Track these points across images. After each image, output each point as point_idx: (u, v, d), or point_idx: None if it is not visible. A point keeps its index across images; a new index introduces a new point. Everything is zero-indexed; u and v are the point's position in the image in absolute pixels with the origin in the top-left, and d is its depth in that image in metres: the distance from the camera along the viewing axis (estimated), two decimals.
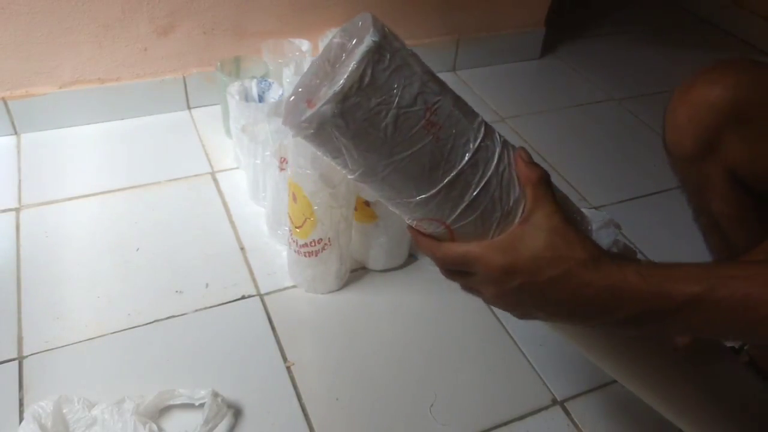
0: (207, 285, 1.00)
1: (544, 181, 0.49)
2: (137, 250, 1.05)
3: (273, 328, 0.95)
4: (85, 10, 1.20)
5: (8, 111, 1.25)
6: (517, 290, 0.47)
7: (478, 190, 0.48)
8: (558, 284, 0.46)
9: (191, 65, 1.36)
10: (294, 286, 1.02)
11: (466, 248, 0.48)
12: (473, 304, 1.01)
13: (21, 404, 0.82)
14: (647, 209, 1.23)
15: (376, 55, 0.44)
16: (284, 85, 1.23)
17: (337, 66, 0.46)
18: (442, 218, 0.49)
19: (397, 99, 0.45)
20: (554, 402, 0.89)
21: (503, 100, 1.54)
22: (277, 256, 1.06)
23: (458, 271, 0.51)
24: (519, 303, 0.49)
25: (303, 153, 0.86)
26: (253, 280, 1.02)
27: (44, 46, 1.21)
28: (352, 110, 0.44)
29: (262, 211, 1.14)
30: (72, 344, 0.90)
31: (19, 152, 1.24)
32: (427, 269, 1.07)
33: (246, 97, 1.20)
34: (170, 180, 1.20)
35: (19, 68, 1.22)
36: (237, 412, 0.83)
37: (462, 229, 0.49)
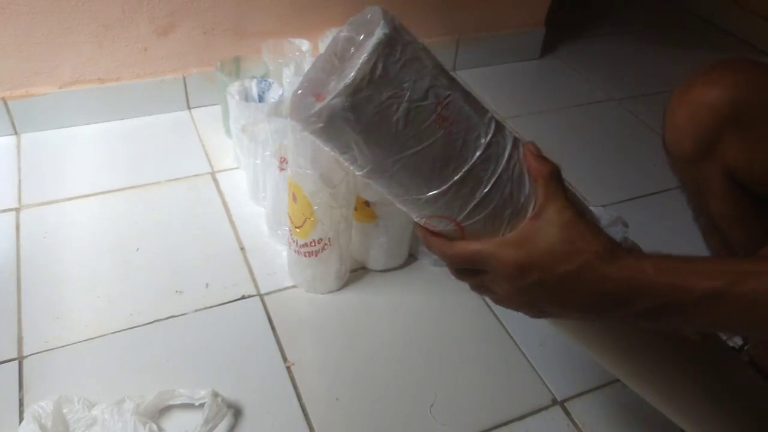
0: (207, 285, 1.00)
1: (555, 175, 0.48)
2: (137, 250, 1.05)
3: (273, 328, 0.95)
4: (85, 10, 1.20)
5: (8, 111, 1.25)
6: (533, 286, 0.46)
7: (489, 186, 0.47)
8: (574, 278, 0.45)
9: (191, 65, 1.36)
10: (294, 286, 1.02)
11: (479, 246, 0.48)
12: (473, 304, 1.02)
13: (21, 404, 0.82)
14: (647, 209, 1.23)
15: (387, 47, 0.43)
16: (284, 85, 1.23)
17: (345, 60, 0.45)
18: (452, 215, 0.48)
19: (408, 92, 0.44)
20: (554, 402, 0.89)
21: (503, 100, 1.54)
22: (277, 256, 1.06)
23: (470, 270, 0.50)
24: (534, 300, 0.48)
25: (303, 153, 0.86)
26: (253, 280, 1.02)
27: (44, 46, 1.21)
28: (363, 103, 0.43)
29: (262, 211, 1.14)
30: (72, 344, 0.90)
31: (19, 152, 1.24)
32: (427, 269, 1.07)
33: (246, 97, 1.20)
34: (170, 180, 1.20)
35: (19, 68, 1.22)
36: (237, 412, 0.83)
37: (473, 226, 0.48)
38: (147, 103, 1.35)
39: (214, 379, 0.86)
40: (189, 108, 1.40)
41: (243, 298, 0.99)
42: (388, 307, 1.00)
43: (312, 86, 0.47)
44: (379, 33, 0.43)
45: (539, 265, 0.45)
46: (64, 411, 0.78)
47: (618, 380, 0.91)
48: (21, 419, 0.79)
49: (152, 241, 1.07)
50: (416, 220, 0.52)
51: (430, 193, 0.47)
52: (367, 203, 0.98)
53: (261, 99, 1.21)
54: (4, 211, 1.11)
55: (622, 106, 1.58)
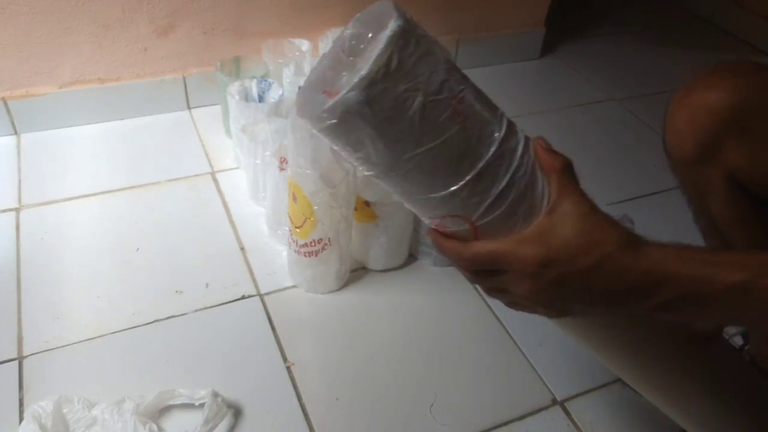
0: (207, 285, 1.00)
1: (567, 168, 0.48)
2: (137, 250, 1.05)
3: (273, 328, 0.95)
4: (85, 10, 1.20)
5: (8, 111, 1.25)
6: (553, 282, 0.45)
7: (504, 182, 0.46)
8: (596, 271, 0.44)
9: (191, 65, 1.36)
10: (294, 286, 1.02)
11: (496, 244, 0.47)
12: (473, 303, 1.02)
13: (21, 404, 0.82)
14: (648, 209, 1.23)
15: (401, 40, 0.42)
16: (284, 85, 1.23)
17: (356, 55, 0.44)
18: (467, 214, 0.47)
19: (424, 86, 0.43)
20: (554, 402, 0.89)
21: (503, 100, 1.52)
22: (277, 256, 1.06)
23: (487, 271, 0.49)
24: (554, 297, 0.47)
25: (303, 153, 0.86)
26: (253, 280, 1.02)
27: (44, 46, 1.21)
28: (379, 97, 0.42)
29: (262, 211, 1.14)
30: (72, 344, 0.90)
31: (19, 152, 1.24)
32: (427, 269, 1.07)
33: (246, 97, 1.20)
34: (170, 180, 1.20)
35: (19, 68, 1.22)
36: (237, 412, 0.83)
37: (487, 225, 0.47)
38: (147, 103, 1.35)
39: (214, 379, 0.86)
40: (189, 108, 1.40)
41: (243, 298, 0.99)
42: (388, 307, 1.00)
43: (320, 84, 0.46)
44: (393, 25, 0.42)
45: (559, 260, 0.45)
46: (64, 411, 0.78)
47: (618, 380, 0.91)
48: (21, 419, 0.79)
49: (152, 241, 1.07)
50: (427, 221, 0.51)
51: (446, 191, 0.46)
52: (367, 203, 0.98)
53: (261, 99, 1.21)
54: (4, 211, 1.11)
55: (623, 106, 1.58)
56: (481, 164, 0.45)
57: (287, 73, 1.23)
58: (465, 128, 0.45)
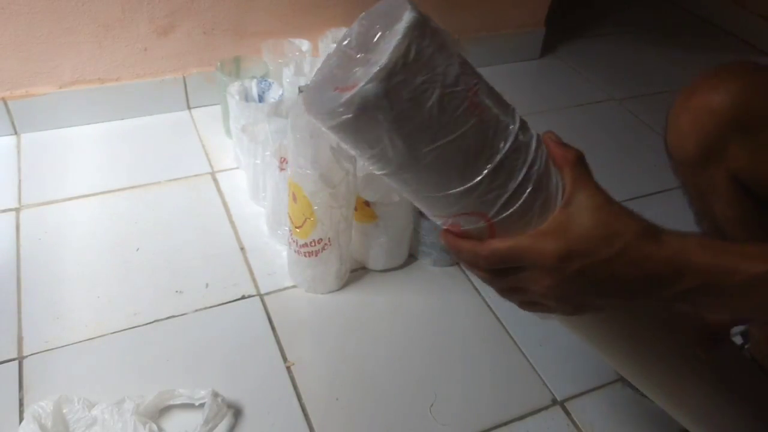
0: (207, 285, 1.00)
1: (580, 160, 0.47)
2: (137, 250, 1.05)
3: (273, 328, 0.95)
4: (85, 10, 1.20)
5: (8, 111, 1.25)
6: (574, 276, 0.45)
7: (521, 176, 0.45)
8: (617, 261, 0.44)
9: (191, 65, 1.36)
10: (294, 286, 1.02)
11: (514, 241, 0.46)
12: (473, 303, 1.02)
13: (21, 404, 0.82)
14: (648, 209, 1.21)
15: (418, 31, 0.41)
16: (284, 85, 1.23)
17: (368, 50, 0.43)
18: (483, 211, 0.46)
19: (441, 78, 0.42)
20: (554, 402, 0.89)
21: None
22: (277, 256, 1.06)
23: (504, 269, 0.48)
24: (574, 291, 0.46)
25: (303, 153, 0.86)
26: (253, 280, 1.02)
27: (44, 46, 1.21)
28: (397, 89, 0.41)
29: (262, 211, 1.14)
30: (72, 344, 0.90)
31: (19, 152, 1.24)
32: (427, 269, 1.07)
33: (246, 97, 1.20)
34: (170, 180, 1.20)
35: (19, 68, 1.22)
36: (237, 412, 0.83)
37: (503, 221, 0.46)
38: (147, 103, 1.35)
39: (214, 379, 0.86)
40: (189, 108, 1.40)
41: (243, 298, 0.99)
42: (388, 307, 1.00)
43: (329, 82, 0.45)
44: (409, 16, 0.41)
45: (580, 252, 0.44)
46: (64, 411, 0.78)
47: (618, 380, 0.91)
48: (21, 419, 0.79)
49: (152, 241, 1.07)
50: (440, 222, 0.50)
51: (462, 187, 0.45)
52: (367, 203, 0.98)
53: (261, 99, 1.21)
54: (4, 211, 1.11)
55: (623, 106, 1.58)
56: (498, 157, 0.45)
57: (287, 73, 1.23)
58: (482, 121, 0.44)
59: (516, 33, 1.67)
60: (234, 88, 1.17)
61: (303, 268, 0.98)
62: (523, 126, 0.47)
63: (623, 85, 1.66)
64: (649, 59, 1.81)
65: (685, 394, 0.64)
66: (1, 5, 1.14)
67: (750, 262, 0.43)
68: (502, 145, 0.45)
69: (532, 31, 1.70)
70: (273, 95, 1.20)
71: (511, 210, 0.46)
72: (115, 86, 1.31)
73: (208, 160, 1.26)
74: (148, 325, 0.93)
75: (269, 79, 1.21)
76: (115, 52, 1.27)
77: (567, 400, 0.89)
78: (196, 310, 0.96)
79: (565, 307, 0.48)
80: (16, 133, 1.28)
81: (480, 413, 0.86)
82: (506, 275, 0.48)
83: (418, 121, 0.42)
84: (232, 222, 1.12)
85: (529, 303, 0.50)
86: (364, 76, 0.41)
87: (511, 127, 0.46)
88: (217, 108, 1.35)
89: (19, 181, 1.17)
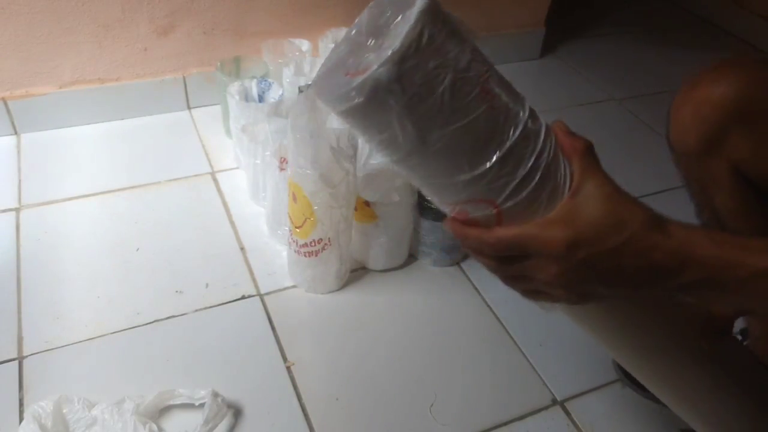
0: (207, 285, 1.00)
1: (589, 150, 0.47)
2: (137, 250, 1.05)
3: (273, 328, 0.95)
4: (85, 10, 1.20)
5: (8, 111, 1.25)
6: (580, 265, 0.45)
7: (530, 164, 0.45)
8: (623, 250, 0.44)
9: (191, 65, 1.36)
10: (294, 286, 1.02)
11: (521, 229, 0.46)
12: (473, 303, 1.02)
13: (21, 404, 0.82)
14: None
15: (430, 16, 0.41)
16: (284, 85, 1.23)
17: (380, 36, 0.43)
18: (491, 198, 0.46)
19: (453, 63, 0.42)
20: (554, 402, 0.89)
21: None
22: (277, 256, 1.06)
23: (510, 257, 0.48)
24: (580, 280, 0.46)
25: (303, 153, 0.86)
26: (253, 280, 1.02)
27: (44, 46, 1.21)
28: (410, 73, 0.41)
29: (262, 211, 1.14)
30: (72, 344, 0.90)
31: (19, 152, 1.24)
32: (427, 269, 1.07)
33: (246, 97, 1.20)
34: (170, 180, 1.20)
35: (19, 68, 1.22)
36: (237, 412, 0.83)
37: (511, 209, 0.46)
38: (147, 103, 1.35)
39: (214, 379, 0.86)
40: (189, 108, 1.40)
41: (243, 298, 0.99)
42: (388, 307, 1.00)
43: (340, 67, 0.45)
44: (421, 1, 0.41)
45: (587, 241, 0.44)
46: (64, 411, 0.78)
47: (618, 380, 0.91)
48: (21, 419, 0.79)
49: (152, 241, 1.07)
50: (448, 209, 0.50)
51: (472, 173, 0.45)
52: (367, 203, 0.98)
53: (261, 99, 1.21)
54: (4, 211, 1.11)
55: (623, 106, 1.58)
56: (508, 144, 0.45)
57: (287, 73, 1.23)
58: (492, 108, 0.44)
59: (516, 33, 1.67)
60: (234, 88, 1.17)
61: (303, 268, 0.98)
62: (533, 114, 0.47)
63: (623, 85, 1.66)
64: (649, 59, 1.81)
65: (689, 387, 0.64)
66: (1, 5, 1.14)
67: (755, 255, 0.43)
68: (511, 132, 0.45)
69: (532, 31, 1.70)
70: (273, 95, 1.20)
71: (519, 197, 0.46)
72: (115, 86, 1.31)
73: (208, 160, 1.26)
74: (148, 325, 0.93)
75: (269, 79, 1.21)
76: (115, 52, 1.27)
77: (567, 400, 0.89)
78: (196, 310, 0.96)
79: (570, 296, 0.48)
80: (16, 133, 1.28)
81: (480, 413, 0.86)
82: (512, 263, 0.48)
83: (429, 106, 0.42)
84: (232, 222, 1.12)
85: (533, 292, 0.50)
86: (376, 61, 0.41)
87: (521, 114, 0.46)
88: (217, 108, 1.35)
89: (19, 181, 1.17)
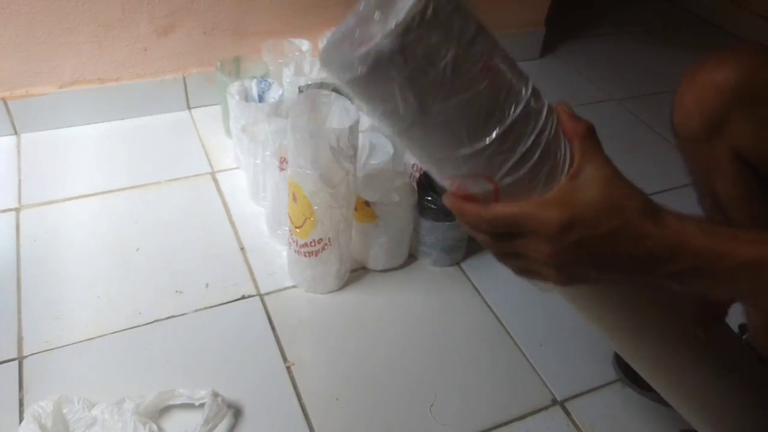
0: (207, 285, 1.00)
1: (591, 133, 0.48)
2: (137, 250, 1.05)
3: (273, 328, 0.95)
4: (85, 10, 1.20)
5: (8, 111, 1.25)
6: (573, 246, 0.45)
7: (530, 141, 0.46)
8: (617, 235, 0.44)
9: (191, 65, 1.36)
10: (294, 286, 1.02)
11: (519, 206, 0.46)
12: (473, 303, 1.02)
13: (21, 404, 0.82)
14: None
15: None
16: (284, 85, 1.23)
17: (384, 9, 0.43)
18: (490, 173, 0.47)
19: (457, 37, 0.42)
20: (554, 402, 0.89)
21: None
22: (277, 256, 1.06)
23: (505, 234, 0.48)
24: (571, 261, 0.46)
25: (303, 153, 0.86)
26: (253, 280, 1.02)
27: (44, 46, 1.21)
28: (413, 45, 0.41)
29: (262, 211, 1.14)
30: (72, 344, 0.90)
31: (19, 152, 1.24)
32: (427, 269, 1.07)
33: (246, 97, 1.20)
34: (170, 180, 1.20)
35: (19, 68, 1.22)
36: (237, 412, 0.83)
37: (509, 186, 0.47)
38: (147, 103, 1.35)
39: (214, 379, 0.86)
40: (189, 108, 1.40)
41: (243, 298, 0.99)
42: (388, 307, 1.00)
43: (348, 38, 0.45)
44: None
45: (582, 223, 0.44)
46: (64, 411, 0.78)
47: (618, 380, 0.91)
48: (21, 419, 0.79)
49: (152, 241, 1.07)
50: (448, 183, 0.50)
51: (472, 148, 0.45)
52: (367, 203, 0.98)
53: (261, 99, 1.21)
54: (4, 211, 1.11)
55: (622, 106, 1.58)
56: (508, 121, 0.45)
57: (287, 73, 1.23)
58: (494, 83, 0.44)
59: (516, 33, 1.67)
60: (234, 88, 1.17)
61: (303, 268, 0.98)
62: (536, 93, 0.47)
63: (623, 85, 1.66)
64: (649, 59, 1.81)
65: (683, 375, 0.64)
66: (1, 5, 1.14)
67: (744, 246, 0.44)
68: (512, 109, 0.45)
69: (532, 31, 1.70)
70: (273, 95, 1.20)
71: (517, 174, 0.46)
72: (115, 86, 1.31)
73: (208, 160, 1.26)
74: (148, 325, 0.93)
75: (269, 79, 1.21)
76: (115, 52, 1.27)
77: (567, 400, 0.89)
78: (196, 310, 0.96)
79: (560, 277, 0.48)
80: (16, 133, 1.28)
81: (480, 413, 0.86)
82: (507, 240, 0.48)
83: (431, 78, 0.43)
84: (232, 222, 1.12)
85: (525, 270, 0.50)
86: (380, 32, 0.41)
87: (523, 92, 0.46)
88: (217, 108, 1.35)
89: (19, 181, 1.17)
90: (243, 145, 1.14)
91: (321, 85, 1.13)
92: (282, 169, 1.00)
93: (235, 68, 1.28)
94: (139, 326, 0.93)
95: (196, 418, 0.79)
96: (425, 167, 0.51)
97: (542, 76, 1.70)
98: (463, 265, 1.08)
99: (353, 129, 0.85)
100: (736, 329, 0.87)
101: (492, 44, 0.45)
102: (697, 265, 0.44)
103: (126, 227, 1.09)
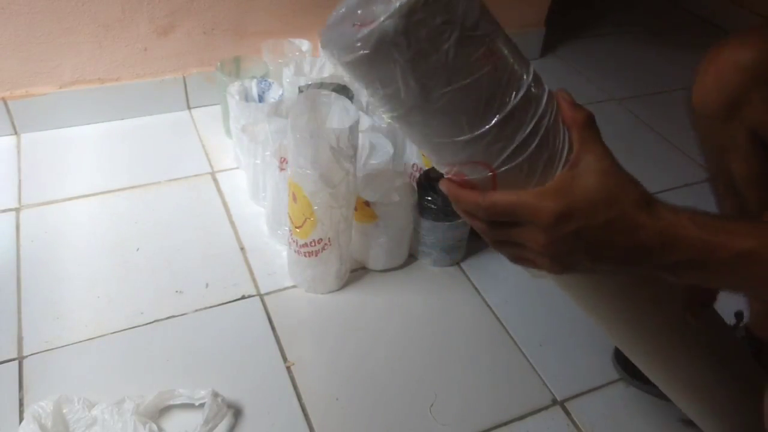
0: (207, 285, 1.00)
1: (590, 122, 0.48)
2: (137, 250, 1.05)
3: (273, 328, 0.95)
4: (85, 10, 1.20)
5: (8, 111, 1.25)
6: (570, 236, 0.45)
7: (529, 128, 0.45)
8: (612, 226, 0.45)
9: (191, 65, 1.36)
10: (294, 286, 1.02)
11: (517, 195, 0.46)
12: (473, 303, 1.02)
13: (21, 404, 0.82)
14: None
15: None
16: (284, 85, 1.23)
17: None
18: (488, 160, 0.46)
19: (460, 20, 0.42)
20: (554, 402, 0.89)
21: None
22: (277, 256, 1.06)
23: (501, 222, 0.48)
24: (566, 252, 0.47)
25: (303, 153, 0.86)
26: (253, 280, 1.02)
27: (44, 46, 1.21)
28: (416, 27, 0.41)
29: (262, 211, 1.14)
30: (72, 344, 0.90)
31: (19, 152, 1.24)
32: (427, 269, 1.07)
33: (246, 97, 1.20)
34: (170, 180, 1.20)
35: (19, 68, 1.22)
36: (237, 412, 0.83)
37: (507, 173, 0.46)
38: (147, 103, 1.35)
39: (214, 379, 0.86)
40: (189, 108, 1.40)
41: (243, 298, 0.99)
42: (388, 307, 1.00)
43: (349, 17, 0.44)
44: None
45: (579, 214, 0.45)
46: (64, 411, 0.78)
47: (618, 380, 0.91)
48: (21, 419, 0.79)
49: (152, 241, 1.07)
50: (446, 169, 0.50)
51: (471, 134, 0.45)
52: (367, 203, 0.98)
53: (261, 99, 1.21)
54: (4, 211, 1.11)
55: (623, 106, 1.58)
56: (509, 107, 0.45)
57: (287, 73, 1.23)
58: (496, 69, 0.44)
59: (516, 33, 1.65)
60: (234, 88, 1.17)
61: (303, 268, 0.98)
62: (537, 79, 0.47)
63: (623, 85, 1.66)
64: (649, 59, 1.81)
65: (677, 362, 0.65)
66: (1, 5, 1.14)
67: (736, 238, 0.44)
68: (513, 95, 0.45)
69: (532, 31, 1.70)
70: (273, 95, 1.20)
71: (515, 162, 0.46)
72: (115, 86, 1.31)
73: (208, 160, 1.26)
74: (148, 325, 0.93)
75: (269, 79, 1.21)
76: (115, 52, 1.27)
77: (567, 400, 0.89)
78: (196, 310, 0.96)
79: (555, 266, 0.48)
80: (16, 133, 1.28)
81: (480, 413, 0.86)
82: (502, 228, 0.49)
83: (433, 62, 0.42)
84: (232, 222, 1.12)
85: (520, 258, 0.50)
86: (383, 12, 0.41)
87: (524, 77, 0.46)
88: (217, 108, 1.35)
89: (19, 181, 1.17)
90: (243, 145, 1.14)
91: (321, 85, 1.13)
92: (282, 169, 1.00)
93: (235, 68, 1.28)
94: (139, 326, 0.93)
95: (196, 418, 0.79)
96: (423, 152, 0.51)
97: (542, 75, 1.69)
98: (463, 265, 1.08)
99: (353, 129, 0.85)
100: (732, 316, 0.88)
101: (495, 27, 0.45)
102: (690, 256, 0.45)
103: (126, 227, 1.09)
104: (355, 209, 0.98)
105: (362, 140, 1.05)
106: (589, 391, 0.90)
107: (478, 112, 0.45)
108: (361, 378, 0.89)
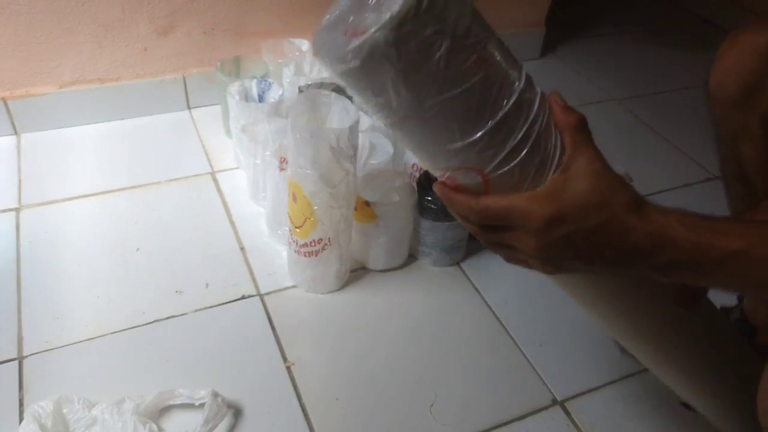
0: (207, 285, 1.00)
1: (582, 126, 0.48)
2: (137, 250, 1.05)
3: (273, 328, 0.95)
4: (85, 10, 1.20)
5: (8, 111, 1.25)
6: (561, 240, 0.45)
7: (521, 135, 0.45)
8: (603, 230, 0.45)
9: (191, 65, 1.36)
10: (294, 286, 1.02)
11: (508, 200, 0.47)
12: (473, 303, 1.02)
13: (21, 404, 0.82)
14: None
15: None
16: (284, 85, 1.23)
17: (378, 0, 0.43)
18: (481, 166, 0.46)
19: (451, 29, 0.42)
20: (554, 402, 0.89)
21: None
22: (277, 256, 1.06)
23: (495, 226, 0.49)
24: (558, 255, 0.47)
25: (303, 153, 0.86)
26: (253, 280, 1.02)
27: (44, 46, 1.21)
28: (407, 38, 0.40)
29: (262, 211, 1.14)
30: (72, 344, 0.90)
31: (19, 152, 1.24)
32: (427, 269, 1.07)
33: (246, 97, 1.20)
34: (170, 180, 1.20)
35: (19, 68, 1.22)
36: (237, 412, 0.83)
37: (499, 178, 0.47)
38: (147, 103, 1.35)
39: (214, 379, 0.86)
40: (189, 108, 1.40)
41: (243, 298, 0.99)
42: (388, 307, 1.00)
43: (340, 25, 0.44)
44: None
45: (570, 218, 0.45)
46: (64, 411, 0.78)
47: (618, 379, 0.91)
48: (21, 419, 0.79)
49: (152, 241, 1.07)
50: (439, 174, 0.50)
51: (463, 142, 0.45)
52: (367, 203, 0.98)
53: (261, 99, 1.21)
54: (4, 211, 1.11)
55: (623, 106, 1.58)
56: (500, 114, 0.45)
57: (287, 73, 1.23)
58: (488, 76, 0.44)
59: (516, 33, 1.67)
60: (234, 88, 1.17)
61: (303, 268, 0.98)
62: (529, 83, 0.47)
63: (623, 85, 1.66)
64: (649, 59, 1.81)
65: (672, 351, 0.65)
66: (1, 5, 1.14)
67: (725, 239, 0.45)
68: (505, 102, 0.45)
69: (532, 31, 1.70)
70: (273, 95, 1.20)
71: (507, 167, 0.46)
72: (115, 86, 1.31)
73: (208, 160, 1.26)
74: (148, 325, 0.93)
75: (269, 79, 1.21)
76: (115, 52, 1.27)
77: (567, 400, 0.89)
78: (196, 310, 0.96)
79: (547, 268, 0.49)
80: (16, 133, 1.28)
81: (480, 413, 0.86)
82: (495, 232, 0.49)
83: (424, 72, 0.42)
84: (232, 222, 1.12)
85: (513, 259, 0.51)
86: (374, 23, 0.40)
87: (516, 84, 0.46)
88: (217, 108, 1.35)
89: (19, 181, 1.17)
90: (243, 145, 1.14)
91: (321, 85, 1.13)
92: (282, 169, 1.00)
93: (235, 68, 1.28)
94: (139, 326, 0.93)
95: (196, 418, 0.79)
96: (418, 158, 0.51)
97: (542, 75, 1.69)
98: (463, 265, 1.08)
99: (353, 129, 0.85)
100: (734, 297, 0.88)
101: (487, 32, 0.45)
102: (680, 258, 0.45)
103: (126, 227, 1.09)
104: (355, 209, 0.98)
105: (362, 140, 1.05)
106: (589, 391, 0.90)
107: (470, 120, 0.45)
108: (361, 378, 0.89)
